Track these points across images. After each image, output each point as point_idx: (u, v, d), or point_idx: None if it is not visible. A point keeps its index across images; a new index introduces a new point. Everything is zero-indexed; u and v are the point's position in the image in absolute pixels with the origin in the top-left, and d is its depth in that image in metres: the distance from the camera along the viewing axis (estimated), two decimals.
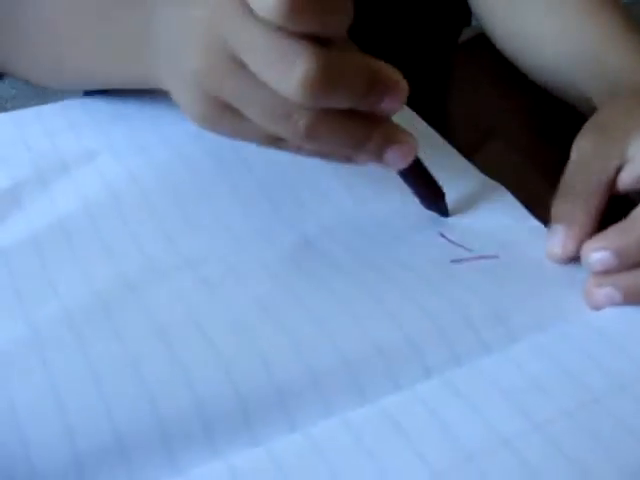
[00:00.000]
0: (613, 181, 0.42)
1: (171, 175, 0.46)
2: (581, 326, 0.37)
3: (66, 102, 0.53)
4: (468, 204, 0.45)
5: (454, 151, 0.50)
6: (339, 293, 0.39)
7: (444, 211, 0.43)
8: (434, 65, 0.64)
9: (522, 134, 0.54)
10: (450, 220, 0.44)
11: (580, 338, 0.36)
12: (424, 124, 0.52)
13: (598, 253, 0.38)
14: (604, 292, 0.38)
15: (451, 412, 0.33)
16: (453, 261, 0.41)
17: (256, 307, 0.38)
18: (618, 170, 0.42)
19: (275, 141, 0.37)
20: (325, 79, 0.32)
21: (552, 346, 0.36)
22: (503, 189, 0.46)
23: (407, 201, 0.44)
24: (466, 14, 0.72)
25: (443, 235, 0.43)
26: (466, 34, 0.71)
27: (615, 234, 0.38)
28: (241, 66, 0.34)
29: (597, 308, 0.38)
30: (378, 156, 0.36)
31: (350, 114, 0.35)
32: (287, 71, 0.32)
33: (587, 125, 0.45)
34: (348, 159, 0.38)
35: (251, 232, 0.42)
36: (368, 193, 0.45)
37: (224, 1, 0.34)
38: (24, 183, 0.46)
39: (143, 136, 0.49)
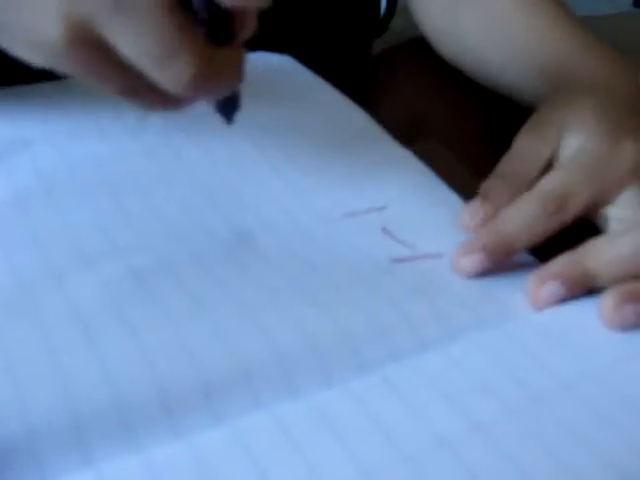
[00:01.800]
0: (542, 172, 0.43)
1: (107, 167, 0.45)
2: (523, 325, 0.36)
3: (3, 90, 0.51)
4: (409, 194, 0.44)
5: (392, 141, 0.49)
6: (273, 288, 0.37)
7: (230, 119, 0.39)
8: (355, 68, 0.64)
9: (454, 132, 0.54)
10: (391, 211, 0.43)
11: (522, 337, 0.35)
12: (362, 113, 0.52)
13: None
14: (546, 290, 0.37)
15: (386, 409, 0.31)
16: (394, 260, 0.39)
17: (186, 299, 0.36)
18: (549, 162, 0.43)
19: (133, 91, 0.34)
20: (205, 79, 0.32)
21: (493, 345, 0.34)
22: (442, 183, 0.46)
23: (347, 195, 0.43)
24: (375, 24, 0.72)
25: (386, 230, 0.41)
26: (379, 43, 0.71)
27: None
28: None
29: (540, 307, 0.37)
30: None
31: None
32: (172, 66, 0.31)
33: (528, 121, 0.46)
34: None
35: (186, 225, 0.41)
36: (307, 185, 0.44)
37: None
38: None
39: (80, 128, 0.48)
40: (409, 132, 0.51)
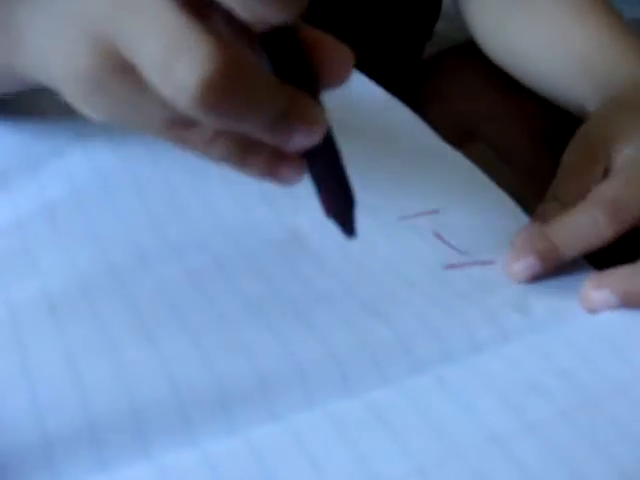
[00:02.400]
0: None
1: (162, 163, 0.45)
2: (577, 328, 0.36)
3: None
4: (463, 198, 0.44)
5: (447, 146, 0.49)
6: (326, 290, 0.38)
7: (349, 227, 0.33)
8: (407, 71, 0.64)
9: (503, 136, 0.54)
10: (443, 215, 0.43)
11: (576, 340, 0.35)
12: (416, 118, 0.52)
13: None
14: (601, 295, 0.37)
15: (440, 407, 0.31)
16: (447, 267, 0.40)
17: (240, 300, 0.37)
18: (603, 178, 0.43)
19: (175, 128, 0.29)
20: (224, 88, 0.25)
21: (547, 346, 0.35)
22: (495, 186, 0.45)
23: (400, 198, 0.43)
24: (430, 29, 0.72)
25: (439, 235, 0.42)
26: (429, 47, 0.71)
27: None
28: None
29: (594, 311, 0.37)
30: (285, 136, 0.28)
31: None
32: (175, 67, 0.25)
33: (575, 137, 0.46)
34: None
35: (240, 225, 0.41)
36: (359, 187, 0.44)
37: None
38: (14, 166, 0.45)
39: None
40: (458, 136, 0.51)
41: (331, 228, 0.41)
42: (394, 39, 0.70)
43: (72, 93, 0.30)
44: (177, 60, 0.24)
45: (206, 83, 0.24)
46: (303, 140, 0.28)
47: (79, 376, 0.32)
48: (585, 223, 0.39)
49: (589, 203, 0.40)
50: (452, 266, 0.40)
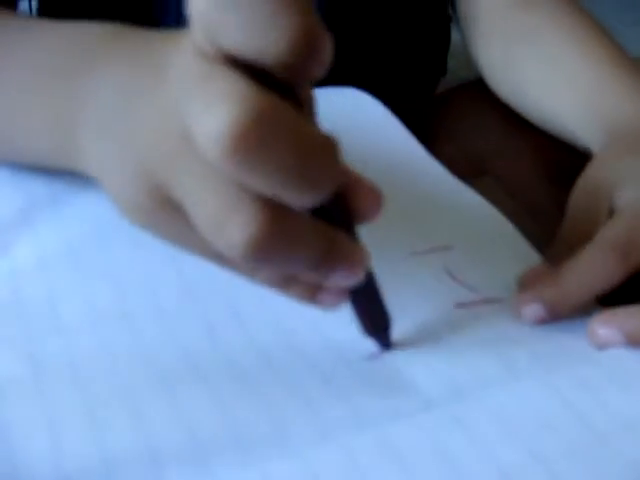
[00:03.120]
0: None
1: None
2: (586, 366, 0.36)
3: None
4: (475, 235, 0.45)
5: (460, 182, 0.50)
6: (334, 337, 0.38)
7: (386, 343, 0.37)
8: (425, 108, 0.65)
9: (511, 172, 0.54)
10: (456, 252, 0.43)
11: (585, 377, 0.35)
12: (427, 154, 0.52)
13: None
14: (607, 333, 0.37)
15: (452, 442, 0.32)
16: (457, 305, 0.40)
17: (254, 352, 0.37)
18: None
19: (217, 257, 0.31)
20: (269, 243, 0.27)
21: (557, 384, 0.35)
22: (507, 221, 0.46)
23: (412, 233, 0.44)
24: (443, 65, 0.73)
25: (450, 272, 0.42)
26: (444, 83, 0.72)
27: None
28: (188, 139, 0.28)
29: (599, 347, 0.37)
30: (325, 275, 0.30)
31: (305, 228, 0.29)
32: (225, 227, 0.27)
33: (580, 178, 0.46)
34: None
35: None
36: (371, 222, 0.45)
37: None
38: (36, 205, 0.46)
39: None
40: (468, 172, 0.52)
41: None
42: (409, 75, 0.71)
43: (123, 212, 0.33)
44: (228, 220, 0.27)
45: (253, 241, 0.27)
46: (344, 279, 0.30)
47: (98, 422, 0.33)
48: (593, 269, 0.39)
49: (596, 247, 0.39)
50: (462, 305, 0.40)
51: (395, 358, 0.37)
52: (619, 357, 0.37)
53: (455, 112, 0.64)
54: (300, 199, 0.27)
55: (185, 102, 0.27)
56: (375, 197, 0.31)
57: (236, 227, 0.27)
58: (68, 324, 0.38)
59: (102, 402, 0.34)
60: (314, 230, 0.29)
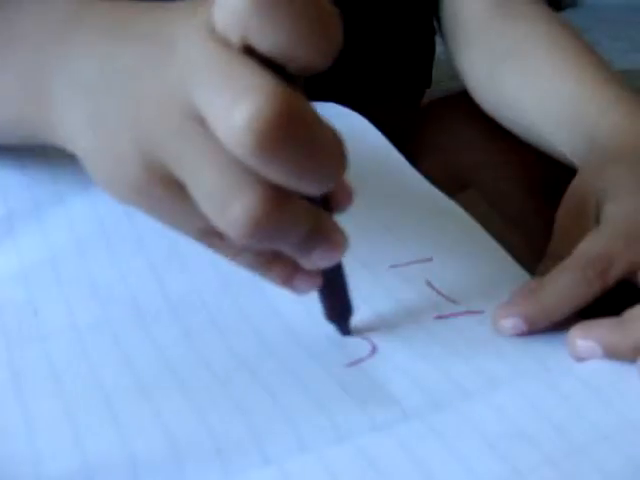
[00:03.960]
0: None
1: None
2: (565, 376, 0.36)
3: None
4: (455, 248, 0.45)
5: (442, 194, 0.50)
6: (316, 343, 0.38)
7: (345, 330, 0.39)
8: (408, 121, 0.65)
9: (494, 184, 0.54)
10: (436, 264, 0.44)
11: (563, 388, 0.36)
12: (409, 166, 0.53)
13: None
14: (586, 344, 0.37)
15: (430, 454, 0.32)
16: (437, 317, 0.40)
17: (231, 356, 0.38)
18: None
19: (209, 236, 0.32)
20: (269, 222, 0.28)
21: (534, 394, 0.35)
22: (486, 235, 0.46)
23: (392, 246, 0.44)
24: (428, 76, 0.74)
25: (430, 284, 0.42)
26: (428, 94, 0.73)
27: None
28: (201, 130, 0.28)
29: (579, 359, 0.37)
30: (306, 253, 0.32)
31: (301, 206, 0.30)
32: (230, 206, 0.28)
33: (567, 192, 0.46)
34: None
35: (240, 283, 0.42)
36: (352, 235, 0.46)
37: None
38: (18, 211, 0.46)
39: None
40: (451, 184, 0.52)
41: None
42: (394, 86, 0.71)
43: (111, 187, 0.32)
44: (233, 199, 0.28)
45: (255, 220, 0.28)
46: (325, 258, 0.32)
47: (77, 431, 0.33)
48: (572, 284, 0.39)
49: (575, 262, 0.40)
50: (441, 316, 0.40)
51: (375, 366, 0.37)
52: (597, 369, 0.37)
53: (438, 124, 0.64)
54: (310, 189, 0.28)
55: (201, 88, 0.27)
56: (349, 190, 0.33)
57: (240, 206, 0.28)
58: (48, 331, 0.38)
59: (82, 408, 0.34)
60: (306, 209, 0.30)
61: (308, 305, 0.38)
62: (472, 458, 0.32)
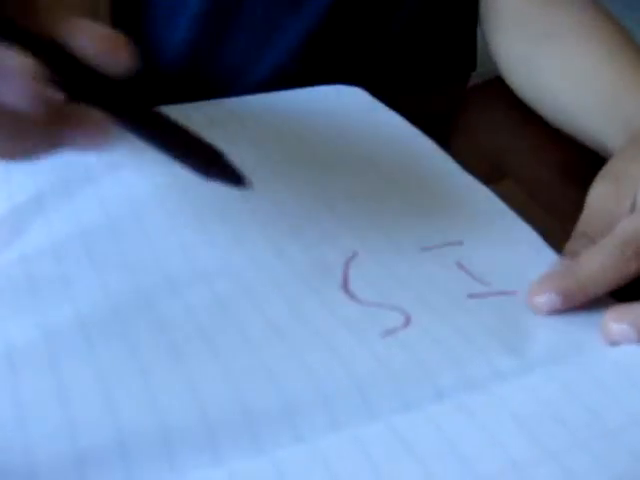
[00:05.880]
0: None
1: (192, 192, 0.46)
2: (598, 360, 0.36)
3: None
4: (486, 231, 0.45)
5: (472, 178, 0.50)
6: (350, 319, 0.38)
7: (234, 177, 0.34)
8: (444, 105, 0.65)
9: (531, 171, 0.54)
10: (467, 247, 0.44)
11: (596, 371, 0.35)
12: (439, 150, 0.53)
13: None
14: (620, 328, 0.37)
15: (462, 434, 0.32)
16: (469, 296, 0.40)
17: (266, 326, 0.37)
18: None
19: None
20: None
21: (567, 377, 0.35)
22: (518, 218, 0.46)
23: (424, 229, 0.44)
24: (473, 59, 0.73)
25: (461, 265, 0.42)
26: (474, 78, 0.72)
27: None
28: None
29: (612, 342, 0.37)
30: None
31: None
32: None
33: (601, 173, 0.46)
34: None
35: (268, 252, 0.42)
36: (384, 218, 0.46)
37: None
38: (49, 192, 0.46)
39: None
40: (481, 169, 0.52)
41: (357, 260, 0.42)
42: (438, 69, 0.71)
43: None
44: None
45: None
46: (85, 143, 0.31)
47: (110, 396, 0.33)
48: (610, 261, 0.39)
49: (614, 241, 0.40)
50: (474, 296, 0.40)
51: (409, 337, 0.37)
52: (629, 352, 0.37)
53: (475, 108, 0.64)
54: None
55: None
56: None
57: None
58: (78, 298, 0.39)
59: (115, 375, 0.34)
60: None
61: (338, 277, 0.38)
62: (503, 439, 0.32)
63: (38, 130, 0.31)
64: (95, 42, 0.31)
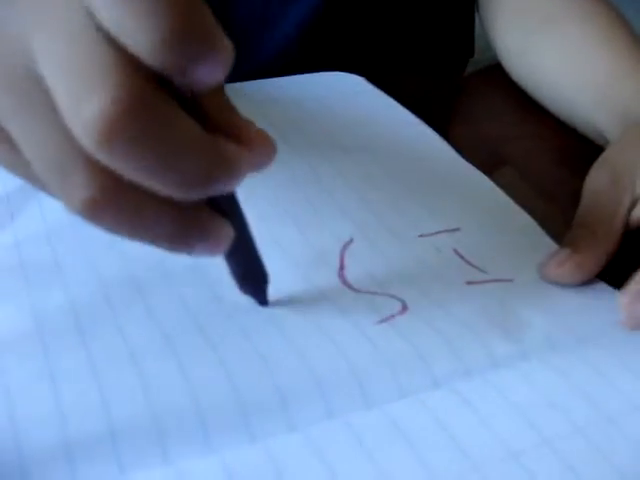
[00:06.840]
0: (626, 217, 0.42)
1: None
2: (595, 346, 0.36)
3: None
4: (483, 218, 0.45)
5: (470, 166, 0.50)
6: (347, 305, 0.38)
7: (262, 299, 0.37)
8: (442, 93, 0.64)
9: (530, 159, 0.54)
10: (464, 234, 0.43)
11: (593, 358, 0.35)
12: (438, 138, 0.53)
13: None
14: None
15: (458, 421, 0.32)
16: (466, 283, 0.40)
17: (260, 314, 0.37)
18: (631, 206, 0.42)
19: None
20: (106, 208, 0.25)
21: (565, 364, 0.35)
22: (515, 205, 0.46)
23: (421, 216, 0.44)
24: (471, 46, 0.73)
25: (458, 252, 0.42)
26: (471, 65, 0.72)
27: None
28: (36, 83, 0.25)
29: (634, 326, 0.37)
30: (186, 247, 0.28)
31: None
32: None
33: (599, 160, 0.46)
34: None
35: (265, 242, 0.42)
36: (382, 205, 0.45)
37: None
38: None
39: None
40: (479, 156, 0.52)
41: (354, 247, 0.42)
42: (436, 56, 0.71)
43: None
44: (72, 175, 0.25)
45: (90, 203, 0.25)
46: (203, 252, 0.28)
47: (101, 383, 0.33)
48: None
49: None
50: (471, 283, 0.40)
51: (406, 324, 0.37)
52: (626, 339, 0.37)
53: (471, 98, 0.63)
54: (170, 192, 0.26)
55: (51, 58, 0.25)
56: (267, 145, 0.30)
57: (73, 187, 0.25)
58: (70, 283, 0.38)
59: (106, 362, 0.34)
60: (167, 206, 0.27)
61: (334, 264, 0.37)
62: (500, 426, 0.32)
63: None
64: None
